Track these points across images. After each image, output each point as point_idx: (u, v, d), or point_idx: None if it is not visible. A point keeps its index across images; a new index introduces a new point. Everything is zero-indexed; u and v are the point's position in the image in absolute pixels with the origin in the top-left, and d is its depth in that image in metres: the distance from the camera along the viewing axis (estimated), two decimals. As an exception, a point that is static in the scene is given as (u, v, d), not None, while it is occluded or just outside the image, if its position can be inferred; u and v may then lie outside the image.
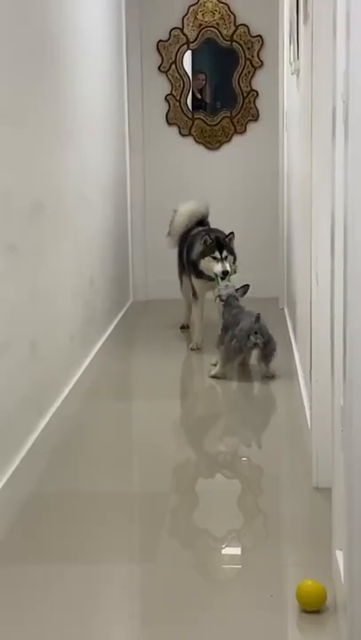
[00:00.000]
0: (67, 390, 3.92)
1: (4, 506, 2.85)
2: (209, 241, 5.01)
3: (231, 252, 5.03)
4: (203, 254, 5.02)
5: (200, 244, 5.05)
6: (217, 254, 4.98)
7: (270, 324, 4.53)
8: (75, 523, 2.89)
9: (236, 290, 4.65)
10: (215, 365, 4.50)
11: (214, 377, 4.45)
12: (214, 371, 4.47)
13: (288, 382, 4.27)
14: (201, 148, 6.42)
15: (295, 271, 4.64)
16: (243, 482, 3.34)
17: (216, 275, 4.93)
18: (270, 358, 4.44)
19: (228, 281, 4.89)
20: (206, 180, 6.30)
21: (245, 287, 4.67)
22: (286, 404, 4.12)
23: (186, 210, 5.42)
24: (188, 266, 5.21)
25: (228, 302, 4.60)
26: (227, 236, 5.07)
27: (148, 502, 3.09)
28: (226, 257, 4.98)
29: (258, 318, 4.39)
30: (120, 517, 2.95)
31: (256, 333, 4.36)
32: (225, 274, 4.91)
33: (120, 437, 3.77)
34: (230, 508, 3.04)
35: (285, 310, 5.72)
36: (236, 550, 2.77)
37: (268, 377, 4.42)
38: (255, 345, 4.38)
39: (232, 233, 5.08)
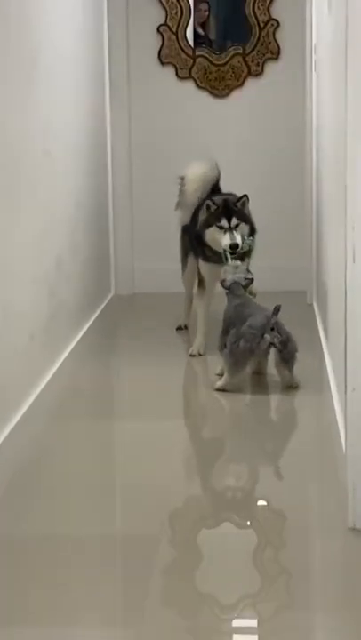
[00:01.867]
0: (24, 407, 3.92)
1: None
2: (213, 206, 4.98)
3: (244, 219, 5.00)
4: (207, 223, 5.00)
5: (203, 210, 5.03)
6: (224, 222, 4.94)
7: (296, 323, 4.58)
8: (40, 576, 2.89)
9: (246, 279, 4.65)
10: (221, 375, 4.48)
11: (221, 390, 4.43)
12: (220, 382, 4.45)
13: (317, 395, 4.32)
14: (205, 95, 6.46)
15: (327, 254, 4.65)
16: (258, 528, 3.33)
17: (224, 250, 4.88)
18: (293, 362, 4.43)
19: (243, 261, 4.82)
20: (212, 136, 6.33)
21: (249, 280, 4.67)
22: (314, 423, 4.15)
23: (196, 174, 5.38)
24: (194, 244, 5.22)
25: (232, 291, 4.58)
26: (238, 200, 5.02)
27: (133, 554, 3.07)
28: (236, 226, 4.93)
29: (276, 310, 4.34)
30: (97, 571, 2.94)
31: (273, 330, 4.32)
32: (234, 248, 4.86)
33: (97, 469, 3.76)
34: (243, 563, 3.01)
35: (315, 306, 5.78)
36: (251, 621, 2.73)
37: (292, 387, 4.41)
38: (271, 345, 4.35)
39: (245, 196, 5.02)
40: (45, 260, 4.47)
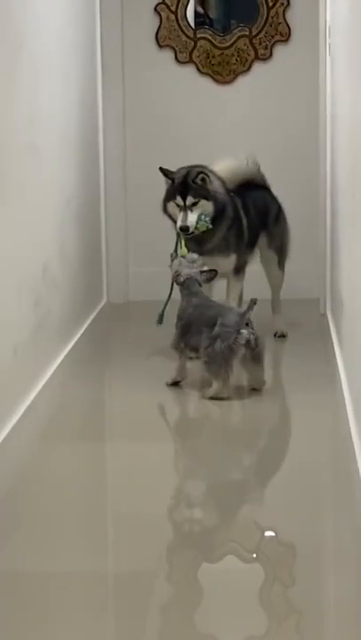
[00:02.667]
0: (7, 428, 3.96)
1: None
2: (169, 180, 5.09)
3: (205, 195, 5.04)
4: (166, 197, 5.11)
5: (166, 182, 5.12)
6: (179, 200, 5.03)
7: (310, 332, 4.55)
8: (23, 618, 2.88)
9: (201, 272, 4.70)
10: (176, 383, 4.68)
11: (214, 399, 4.51)
12: (211, 390, 4.53)
13: (331, 411, 4.36)
14: (207, 81, 6.49)
15: (343, 258, 4.64)
16: (266, 562, 3.32)
17: (178, 233, 4.98)
18: (263, 360, 4.54)
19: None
20: (214, 126, 6.37)
21: (212, 273, 4.71)
22: (328, 442, 4.17)
23: (225, 167, 5.41)
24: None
25: (187, 287, 4.66)
26: (197, 175, 5.07)
27: (127, 591, 3.07)
28: (194, 204, 5.00)
29: (252, 304, 4.44)
30: (88, 612, 2.94)
31: (247, 325, 4.42)
32: (184, 230, 4.95)
33: (86, 497, 3.77)
34: (249, 601, 3.02)
35: (329, 316, 5.81)
36: None
37: (258, 388, 4.59)
38: (247, 343, 4.45)
39: (203, 172, 5.06)
40: (30, 266, 4.50)
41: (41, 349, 4.71)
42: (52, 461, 4.02)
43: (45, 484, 3.83)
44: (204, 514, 3.74)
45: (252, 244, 5.51)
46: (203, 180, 5.03)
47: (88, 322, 5.90)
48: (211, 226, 5.01)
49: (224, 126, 6.40)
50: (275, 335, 5.59)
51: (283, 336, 5.55)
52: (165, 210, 5.14)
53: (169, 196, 5.07)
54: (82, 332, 5.67)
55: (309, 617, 2.91)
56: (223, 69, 6.46)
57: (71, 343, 5.40)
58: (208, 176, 5.07)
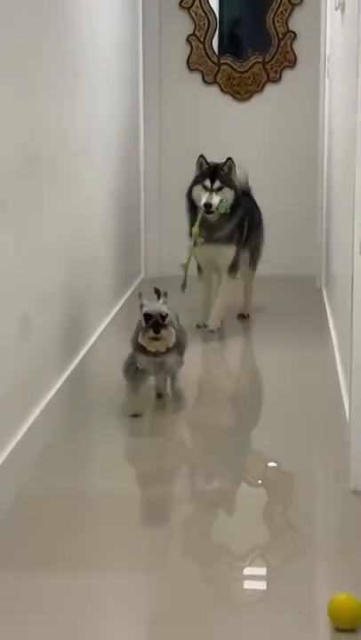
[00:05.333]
0: (58, 383, 3.92)
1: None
2: (205, 165, 4.91)
3: (229, 183, 4.88)
4: (195, 180, 4.92)
5: (196, 168, 4.94)
6: (207, 183, 4.85)
7: (306, 305, 4.49)
8: (68, 527, 2.88)
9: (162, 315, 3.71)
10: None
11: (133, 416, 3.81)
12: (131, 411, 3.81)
13: (324, 372, 4.28)
14: (228, 99, 6.42)
15: (336, 243, 4.63)
16: (269, 487, 3.33)
17: (191, 222, 4.77)
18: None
19: (217, 209, 4.74)
20: (233, 136, 6.28)
21: (160, 317, 3.69)
22: (321, 397, 4.10)
23: None
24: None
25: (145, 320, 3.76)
26: (224, 163, 4.91)
27: (155, 509, 3.10)
28: (219, 189, 4.85)
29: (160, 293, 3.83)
30: (124, 527, 2.94)
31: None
32: (207, 207, 4.78)
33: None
34: (255, 519, 3.02)
35: (323, 291, 5.75)
36: (261, 570, 2.74)
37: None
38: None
39: (230, 159, 4.91)
40: (82, 248, 4.46)
41: (93, 315, 4.70)
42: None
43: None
44: (221, 452, 3.70)
45: (244, 242, 5.16)
46: (229, 167, 4.89)
47: (130, 291, 5.84)
48: (229, 210, 4.84)
49: (241, 135, 6.32)
50: (238, 315, 5.35)
51: (246, 316, 5.32)
52: (190, 194, 4.94)
53: (197, 180, 4.89)
54: (125, 298, 5.63)
55: (303, 532, 2.93)
56: (241, 89, 6.38)
57: (117, 307, 5.37)
58: (235, 166, 4.92)
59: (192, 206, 4.96)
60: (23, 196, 3.37)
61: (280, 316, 5.49)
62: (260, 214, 5.36)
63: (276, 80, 6.34)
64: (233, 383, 4.53)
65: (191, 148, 6.25)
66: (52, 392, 3.76)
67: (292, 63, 6.30)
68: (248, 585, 2.65)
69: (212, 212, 4.80)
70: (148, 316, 3.67)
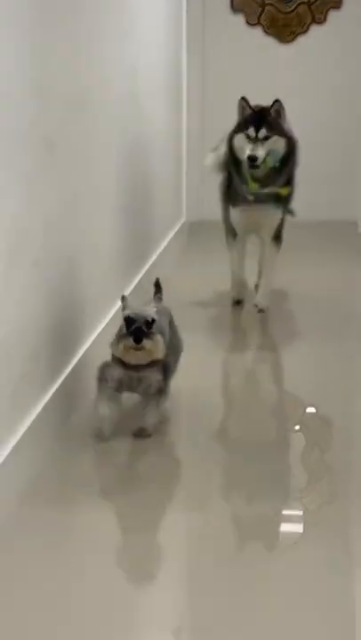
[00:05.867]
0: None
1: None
2: (247, 109, 4.15)
3: (278, 131, 4.10)
4: (237, 128, 4.17)
5: (238, 113, 4.20)
6: (251, 131, 4.09)
7: (347, 250, 4.45)
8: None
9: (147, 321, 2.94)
10: None
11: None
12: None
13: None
14: (271, 40, 6.38)
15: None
16: (306, 433, 3.33)
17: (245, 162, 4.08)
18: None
19: (261, 165, 4.06)
20: (276, 78, 6.22)
21: (146, 322, 2.93)
22: (351, 335, 4.10)
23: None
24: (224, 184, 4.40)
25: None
26: (271, 106, 4.12)
27: (196, 445, 3.11)
28: (266, 138, 4.08)
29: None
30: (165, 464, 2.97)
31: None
32: (252, 160, 4.05)
33: None
34: (292, 463, 3.06)
35: None
36: (298, 512, 2.75)
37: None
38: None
39: (278, 101, 4.13)
40: (128, 188, 4.45)
41: (139, 252, 4.73)
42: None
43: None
44: (262, 400, 3.71)
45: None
46: (277, 111, 4.10)
47: (173, 232, 5.87)
48: (278, 164, 4.10)
49: (284, 78, 6.25)
50: (256, 306, 4.41)
51: (261, 311, 4.34)
52: (231, 144, 4.19)
53: (240, 128, 4.13)
54: (170, 238, 5.65)
55: (339, 475, 2.95)
56: (285, 30, 6.35)
57: (163, 244, 5.42)
58: (283, 108, 4.12)
59: (234, 158, 4.22)
60: (71, 137, 3.37)
61: (320, 255, 5.43)
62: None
63: (321, 21, 6.29)
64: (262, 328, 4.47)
65: (234, 90, 6.22)
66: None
67: (338, 4, 6.24)
68: (285, 527, 2.67)
69: (258, 167, 4.07)
70: (129, 321, 2.92)
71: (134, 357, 2.93)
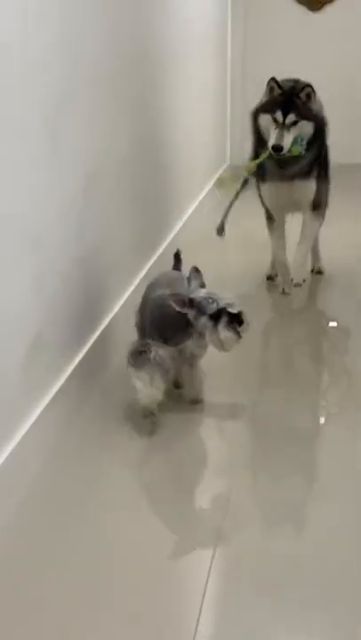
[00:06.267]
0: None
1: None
2: (277, 89, 3.64)
3: (307, 115, 3.64)
4: (263, 108, 3.69)
5: (265, 91, 3.71)
6: (278, 116, 3.61)
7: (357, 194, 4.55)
8: None
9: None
10: None
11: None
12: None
13: None
14: (303, 9, 6.70)
15: None
16: (326, 340, 3.57)
17: (256, 152, 3.73)
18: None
19: (287, 152, 3.61)
20: (307, 43, 6.57)
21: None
22: None
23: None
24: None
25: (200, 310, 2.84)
26: (301, 89, 3.62)
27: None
28: (294, 123, 3.62)
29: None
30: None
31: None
32: (277, 150, 3.60)
33: None
34: (313, 363, 3.34)
35: None
36: (319, 404, 3.01)
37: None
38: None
39: (309, 85, 3.64)
40: (179, 133, 4.67)
41: (194, 185, 5.03)
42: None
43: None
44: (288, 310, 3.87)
45: (326, 175, 3.99)
46: (308, 96, 3.62)
47: (216, 175, 6.01)
48: (303, 152, 3.68)
49: (315, 43, 6.47)
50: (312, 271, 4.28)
51: (298, 285, 3.96)
52: (255, 121, 3.74)
53: (266, 108, 3.66)
54: (212, 183, 5.74)
55: (356, 377, 3.15)
56: (315, 2, 6.57)
57: (207, 187, 5.56)
58: (314, 93, 3.65)
59: (259, 136, 3.78)
60: (134, 89, 3.56)
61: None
62: (327, 155, 4.04)
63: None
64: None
65: (272, 52, 6.56)
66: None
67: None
68: (308, 417, 2.88)
69: (283, 156, 3.65)
70: (222, 312, 2.76)
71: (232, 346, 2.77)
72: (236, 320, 2.73)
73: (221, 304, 2.74)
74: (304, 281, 3.91)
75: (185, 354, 2.87)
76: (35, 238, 2.53)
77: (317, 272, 4.33)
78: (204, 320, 2.76)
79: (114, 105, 3.29)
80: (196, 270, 2.86)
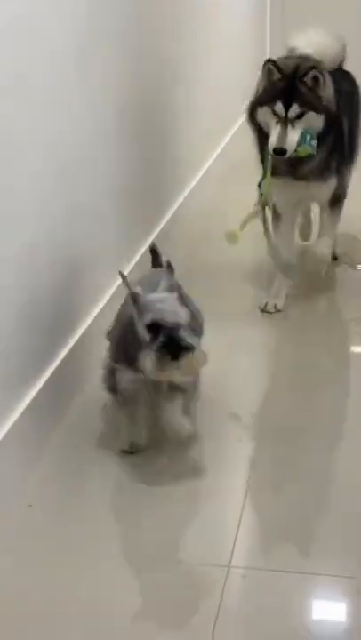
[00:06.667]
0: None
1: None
2: (276, 74, 2.96)
3: (314, 106, 2.95)
4: (259, 100, 3.04)
5: (263, 75, 3.01)
6: (279, 108, 2.94)
7: None
8: None
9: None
10: None
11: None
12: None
13: None
14: None
15: None
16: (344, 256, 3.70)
17: (263, 155, 3.09)
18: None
19: (290, 154, 2.93)
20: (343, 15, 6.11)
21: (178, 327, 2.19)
22: None
23: (313, 46, 3.24)
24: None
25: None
26: (305, 74, 2.93)
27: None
28: (299, 116, 2.93)
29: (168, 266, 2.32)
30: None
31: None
32: (279, 153, 2.94)
33: None
34: (326, 283, 3.52)
35: None
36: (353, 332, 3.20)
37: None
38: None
39: (315, 68, 2.94)
40: (214, 90, 4.83)
41: (216, 132, 5.06)
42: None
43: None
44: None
45: (351, 157, 3.37)
46: (315, 79, 2.92)
47: (232, 133, 5.69)
48: (315, 152, 3.00)
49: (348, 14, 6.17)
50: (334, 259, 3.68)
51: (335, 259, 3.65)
52: (252, 116, 3.06)
53: (264, 100, 2.97)
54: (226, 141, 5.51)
55: None
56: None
57: (221, 146, 5.41)
58: (323, 76, 2.94)
59: (261, 134, 3.11)
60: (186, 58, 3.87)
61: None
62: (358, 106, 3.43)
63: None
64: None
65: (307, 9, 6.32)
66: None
67: None
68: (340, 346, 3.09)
69: (285, 159, 2.99)
70: (155, 327, 2.11)
71: (168, 376, 2.16)
72: (174, 343, 2.03)
73: (157, 315, 2.06)
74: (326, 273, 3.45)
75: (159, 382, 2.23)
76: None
77: (333, 258, 3.65)
78: (141, 331, 2.11)
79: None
80: (168, 266, 2.27)
